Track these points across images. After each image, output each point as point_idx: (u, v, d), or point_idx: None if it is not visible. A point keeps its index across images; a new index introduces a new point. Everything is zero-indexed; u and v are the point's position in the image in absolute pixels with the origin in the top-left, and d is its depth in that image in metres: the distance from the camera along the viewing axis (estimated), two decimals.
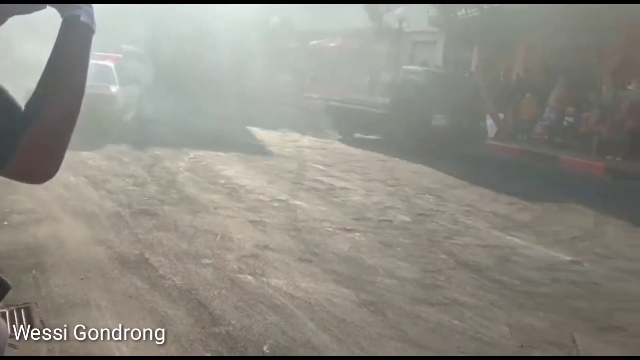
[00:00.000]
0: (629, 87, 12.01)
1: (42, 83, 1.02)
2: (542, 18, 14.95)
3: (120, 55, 13.71)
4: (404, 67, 8.35)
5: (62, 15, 1.06)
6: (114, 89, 11.00)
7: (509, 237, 6.20)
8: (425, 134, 10.37)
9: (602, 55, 14.45)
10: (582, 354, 3.66)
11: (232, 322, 3.64)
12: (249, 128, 14.36)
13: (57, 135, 1.03)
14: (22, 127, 0.99)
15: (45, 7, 1.14)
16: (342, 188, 8.02)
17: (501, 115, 14.63)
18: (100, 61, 12.11)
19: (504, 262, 5.38)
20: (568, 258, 5.65)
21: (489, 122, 14.79)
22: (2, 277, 1.12)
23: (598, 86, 12.98)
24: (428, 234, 6.08)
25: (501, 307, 4.25)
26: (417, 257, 5.30)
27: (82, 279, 4.06)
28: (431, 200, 7.78)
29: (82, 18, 1.05)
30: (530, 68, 15.71)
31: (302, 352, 3.36)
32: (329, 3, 20.10)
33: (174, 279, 4.22)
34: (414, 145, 11.07)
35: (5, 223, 5.15)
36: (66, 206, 5.88)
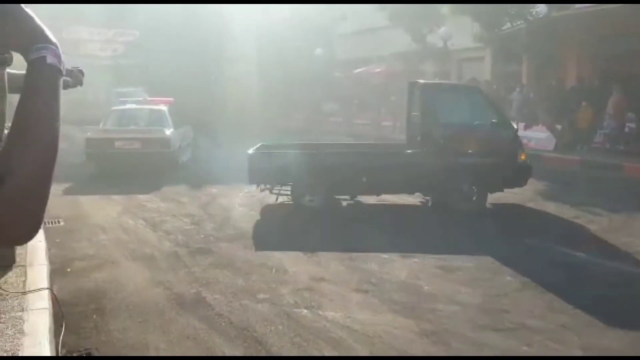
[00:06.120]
0: None
1: (11, 135, 0.89)
2: (590, 25, 14.49)
3: (172, 99, 14.11)
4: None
5: (26, 59, 0.94)
6: (168, 131, 11.31)
7: (577, 254, 5.89)
8: None
9: None
10: None
11: None
12: None
13: (33, 194, 0.89)
14: None
15: (7, 53, 1.07)
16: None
17: (558, 127, 14.15)
18: (154, 106, 12.64)
19: (573, 280, 5.10)
20: None
21: (546, 134, 14.32)
22: None
23: None
24: (493, 256, 5.84)
25: (573, 329, 4.01)
26: (480, 280, 5.09)
27: (140, 322, 4.10)
28: None
29: (49, 60, 0.92)
30: (583, 76, 15.18)
31: None
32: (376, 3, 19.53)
33: (231, 316, 4.20)
34: None
35: (69, 270, 5.30)
36: (125, 250, 6.01)
